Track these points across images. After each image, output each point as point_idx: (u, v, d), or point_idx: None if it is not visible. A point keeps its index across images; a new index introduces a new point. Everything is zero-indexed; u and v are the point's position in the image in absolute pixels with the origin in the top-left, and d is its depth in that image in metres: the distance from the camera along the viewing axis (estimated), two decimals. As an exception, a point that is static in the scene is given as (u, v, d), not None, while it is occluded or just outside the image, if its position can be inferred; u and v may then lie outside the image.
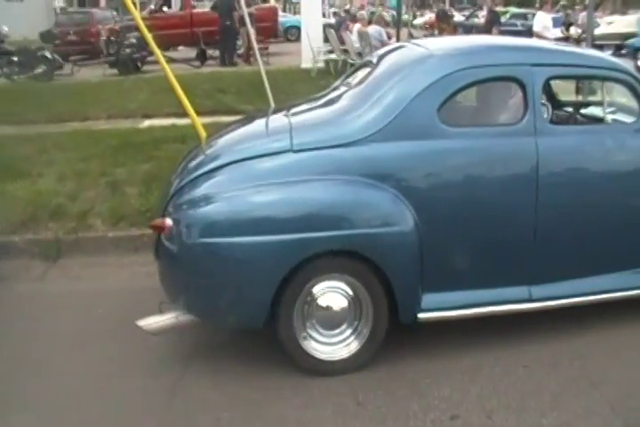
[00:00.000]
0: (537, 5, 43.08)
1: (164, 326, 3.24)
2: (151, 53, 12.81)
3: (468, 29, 24.54)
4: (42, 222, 5.10)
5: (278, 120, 3.82)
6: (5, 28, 20.62)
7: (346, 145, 3.24)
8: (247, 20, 6.11)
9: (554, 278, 3.48)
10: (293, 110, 3.92)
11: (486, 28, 14.62)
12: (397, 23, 10.80)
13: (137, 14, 3.95)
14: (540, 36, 11.23)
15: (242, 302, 3.14)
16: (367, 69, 3.85)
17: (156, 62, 4.10)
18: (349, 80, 4.05)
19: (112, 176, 5.98)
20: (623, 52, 17.63)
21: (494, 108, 3.81)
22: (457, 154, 3.30)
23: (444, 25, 14.10)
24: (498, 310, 3.40)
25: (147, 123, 8.62)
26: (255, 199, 3.13)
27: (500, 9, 38.40)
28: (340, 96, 3.77)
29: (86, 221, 5.09)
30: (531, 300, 3.42)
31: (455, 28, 28.55)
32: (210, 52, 16.20)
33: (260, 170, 3.24)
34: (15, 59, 15.05)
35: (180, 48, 18.25)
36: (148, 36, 3.86)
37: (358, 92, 3.59)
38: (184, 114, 4.07)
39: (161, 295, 3.34)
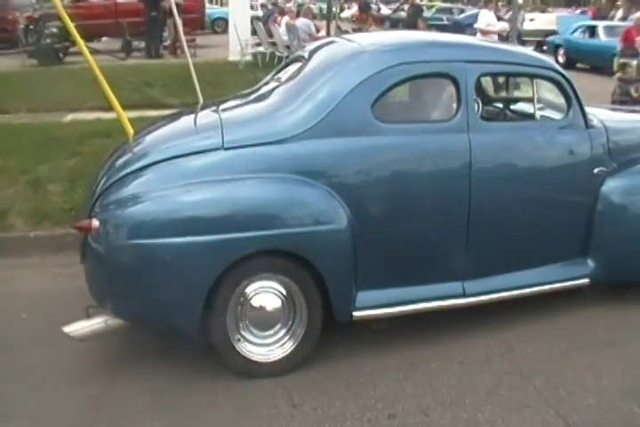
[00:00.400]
0: (465, 0, 44.00)
1: (92, 332, 3.12)
2: (74, 44, 12.36)
3: (395, 23, 24.82)
4: (-44, 223, 4.83)
5: (208, 116, 3.70)
6: None
7: (278, 142, 3.17)
8: (175, 10, 5.92)
9: (486, 273, 3.53)
10: (224, 106, 3.83)
11: (410, 22, 14.81)
12: (328, 16, 10.76)
13: (58, 2, 3.75)
14: (484, 33, 11.44)
15: (173, 304, 3.03)
16: (299, 64, 3.79)
17: (80, 53, 3.91)
18: (280, 75, 3.98)
19: (33, 173, 5.70)
20: (544, 48, 18.21)
21: (428, 104, 3.82)
22: (391, 150, 3.29)
23: (364, 15, 14.17)
24: (433, 306, 3.41)
25: (70, 117, 8.27)
26: (184, 199, 3.03)
27: (426, 3, 39.14)
28: (271, 91, 3.70)
29: (5, 221, 4.85)
30: (464, 295, 3.46)
31: (382, 20, 28.84)
32: (135, 43, 15.74)
33: (189, 168, 3.14)
34: None
35: (104, 39, 17.66)
36: (71, 26, 3.67)
37: (290, 88, 3.52)
38: (109, 108, 3.90)
39: (88, 298, 3.20)
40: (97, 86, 3.78)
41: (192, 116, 3.88)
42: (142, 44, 15.67)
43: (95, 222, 3.05)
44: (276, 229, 3.03)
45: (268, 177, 3.12)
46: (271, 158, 3.16)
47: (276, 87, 3.71)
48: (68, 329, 3.10)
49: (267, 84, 4.02)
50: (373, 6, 36.54)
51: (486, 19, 12.04)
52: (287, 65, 4.10)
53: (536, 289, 3.65)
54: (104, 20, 17.20)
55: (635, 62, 10.27)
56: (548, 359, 3.36)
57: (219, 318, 3.08)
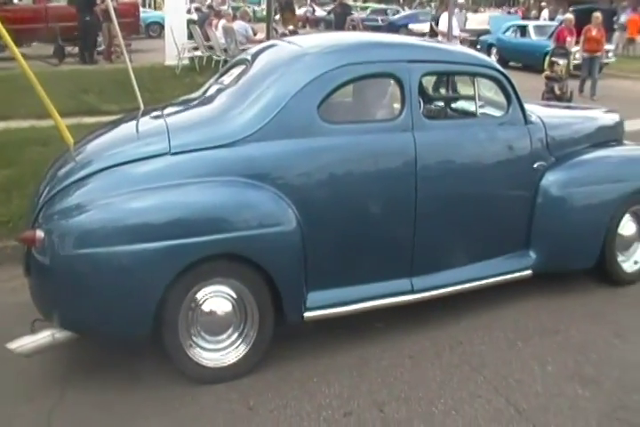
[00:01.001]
0: (401, 1, 44.56)
1: (39, 347, 3.02)
2: (3, 49, 12.00)
3: (330, 24, 24.96)
4: None
5: (152, 122, 3.67)
6: None
7: (225, 145, 3.17)
8: (112, 14, 5.80)
9: (434, 269, 3.60)
10: (168, 111, 3.79)
11: (338, 21, 14.88)
12: (268, 19, 10.70)
13: None
14: (444, 35, 11.27)
15: (124, 313, 2.99)
16: (242, 68, 3.79)
17: (8, 59, 3.79)
18: (224, 79, 3.96)
19: (-34, 183, 5.51)
20: (478, 47, 18.62)
21: (373, 104, 3.87)
22: (337, 151, 3.32)
23: (287, 15, 14.24)
24: (382, 304, 3.46)
25: (1, 125, 8.02)
26: (131, 206, 2.98)
27: (360, 4, 39.47)
28: (216, 95, 3.68)
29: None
30: (413, 291, 3.52)
31: (317, 22, 28.93)
32: (69, 48, 15.38)
33: (136, 175, 3.10)
34: None
35: (35, 44, 17.18)
36: (3, 31, 3.55)
37: (235, 92, 3.51)
38: (45, 115, 3.80)
39: (32, 313, 3.12)
40: (29, 93, 3.68)
41: (135, 122, 3.82)
42: (76, 50, 15.33)
43: (39, 233, 2.98)
44: (224, 233, 3.02)
45: (216, 181, 3.11)
46: (219, 162, 3.15)
47: (221, 91, 3.69)
48: (12, 346, 3.00)
49: (210, 87, 3.99)
50: (308, 8, 36.76)
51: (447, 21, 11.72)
52: (230, 68, 4.09)
53: (482, 282, 3.75)
54: (34, 24, 16.71)
55: (562, 62, 10.65)
56: (495, 350, 3.46)
57: (170, 325, 3.05)
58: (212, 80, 4.19)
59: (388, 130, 3.46)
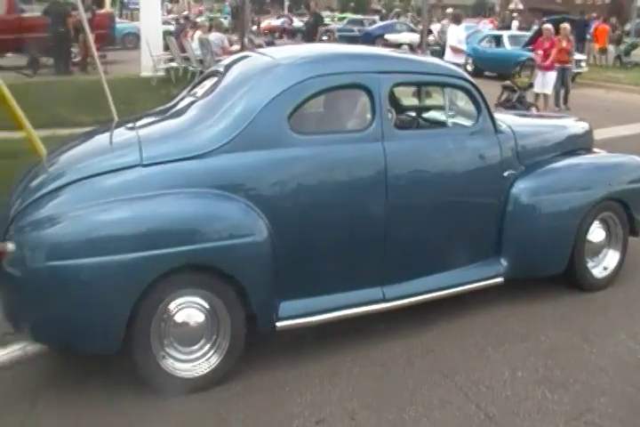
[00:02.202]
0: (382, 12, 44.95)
1: (10, 360, 3.03)
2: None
3: (306, 35, 25.11)
4: None
5: (124, 133, 3.69)
6: None
7: (196, 157, 3.19)
8: (86, 26, 5.81)
9: (405, 278, 3.64)
10: (140, 122, 3.79)
11: (310, 32, 15.01)
12: (243, 29, 10.78)
13: None
14: (455, 51, 11.14)
15: (95, 325, 2.98)
16: (214, 79, 3.81)
17: None
18: (196, 90, 3.98)
19: None
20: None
21: (343, 114, 3.91)
22: (307, 161, 3.36)
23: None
24: (354, 313, 3.49)
25: (-29, 136, 7.92)
26: (102, 218, 2.99)
27: (337, 14, 39.65)
28: (188, 107, 3.70)
29: None
30: (384, 300, 3.55)
31: (294, 33, 29.00)
32: (43, 59, 15.28)
33: (107, 187, 3.11)
34: None
35: (9, 55, 17.04)
36: None
37: (207, 103, 3.54)
38: (15, 127, 3.79)
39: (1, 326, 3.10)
40: (1, 104, 3.67)
41: (107, 133, 3.82)
42: (51, 61, 15.24)
43: (10, 246, 2.97)
44: (195, 244, 3.03)
45: (186, 192, 3.13)
46: (190, 173, 3.17)
47: (193, 102, 3.71)
48: (-18, 358, 3.00)
49: (183, 99, 4.01)
50: (285, 19, 36.92)
51: (457, 35, 11.31)
52: (203, 80, 4.11)
53: (454, 290, 3.79)
54: (7, 35, 16.58)
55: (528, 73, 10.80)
56: (466, 357, 3.50)
57: (142, 336, 3.04)
58: (184, 91, 4.21)
59: (358, 140, 3.50)
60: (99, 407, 3.05)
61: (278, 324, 3.29)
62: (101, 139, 3.84)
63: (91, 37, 6.27)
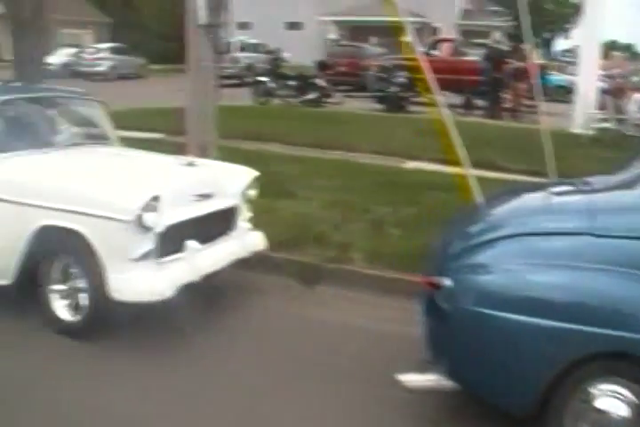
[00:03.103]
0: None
1: (424, 387, 3.15)
2: (419, 94, 13.03)
3: None
4: (304, 246, 5.30)
5: (572, 196, 3.59)
6: (288, 55, 22.60)
7: None
8: (535, 74, 5.84)
9: None
10: (589, 187, 3.60)
11: None
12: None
13: (418, 57, 3.91)
14: None
15: (509, 383, 2.92)
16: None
17: (420, 104, 4.03)
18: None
19: (375, 213, 6.06)
20: None
21: None
22: None
23: None
24: None
25: (411, 165, 8.63)
26: (539, 278, 2.93)
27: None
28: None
29: (347, 253, 5.17)
30: None
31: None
32: (477, 101, 16.10)
33: (548, 248, 3.04)
34: (291, 83, 16.34)
35: (446, 93, 18.38)
36: (427, 78, 3.77)
37: None
38: (448, 161, 3.92)
39: (412, 348, 3.26)
40: (435, 138, 3.80)
41: (548, 192, 3.71)
42: (482, 103, 15.94)
43: (447, 282, 3.08)
44: (624, 330, 2.73)
45: (632, 273, 2.85)
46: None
47: None
48: (403, 378, 3.15)
49: (633, 168, 3.70)
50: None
51: None
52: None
53: None
54: (447, 75, 17.91)
55: None
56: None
57: (556, 411, 2.88)
58: (634, 161, 3.87)
59: None
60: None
61: None
62: (543, 197, 3.73)
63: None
